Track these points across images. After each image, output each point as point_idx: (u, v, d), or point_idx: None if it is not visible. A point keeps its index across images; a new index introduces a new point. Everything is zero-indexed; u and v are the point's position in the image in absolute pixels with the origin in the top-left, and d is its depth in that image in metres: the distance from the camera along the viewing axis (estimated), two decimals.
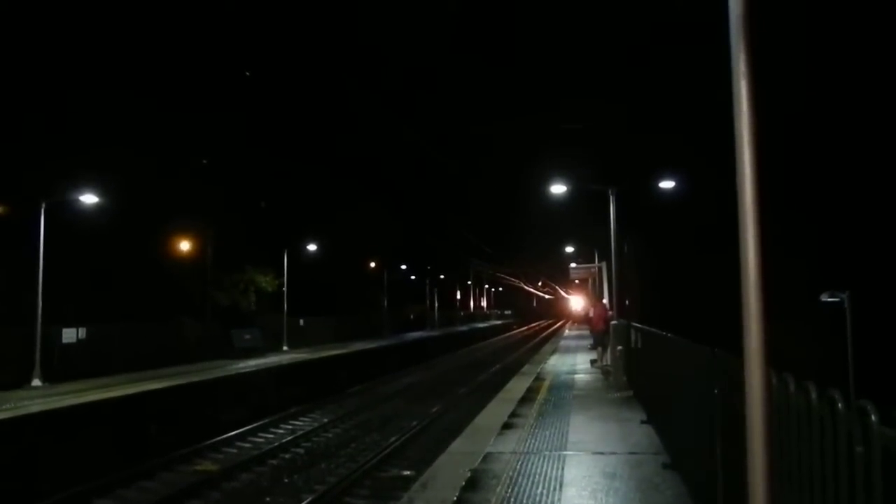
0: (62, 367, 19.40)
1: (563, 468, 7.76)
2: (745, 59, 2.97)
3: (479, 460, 8.25)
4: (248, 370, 22.05)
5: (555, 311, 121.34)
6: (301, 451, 14.94)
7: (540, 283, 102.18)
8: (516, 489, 6.95)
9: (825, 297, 9.41)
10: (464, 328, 69.06)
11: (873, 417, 2.29)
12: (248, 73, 25.29)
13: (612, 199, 18.07)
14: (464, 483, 7.22)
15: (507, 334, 74.75)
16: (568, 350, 28.79)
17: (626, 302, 19.92)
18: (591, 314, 22.65)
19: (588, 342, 27.64)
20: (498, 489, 6.97)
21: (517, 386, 16.12)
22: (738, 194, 3.01)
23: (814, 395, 2.80)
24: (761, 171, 2.99)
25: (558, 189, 20.26)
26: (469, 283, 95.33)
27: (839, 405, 2.56)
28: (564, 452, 8.58)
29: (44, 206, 18.89)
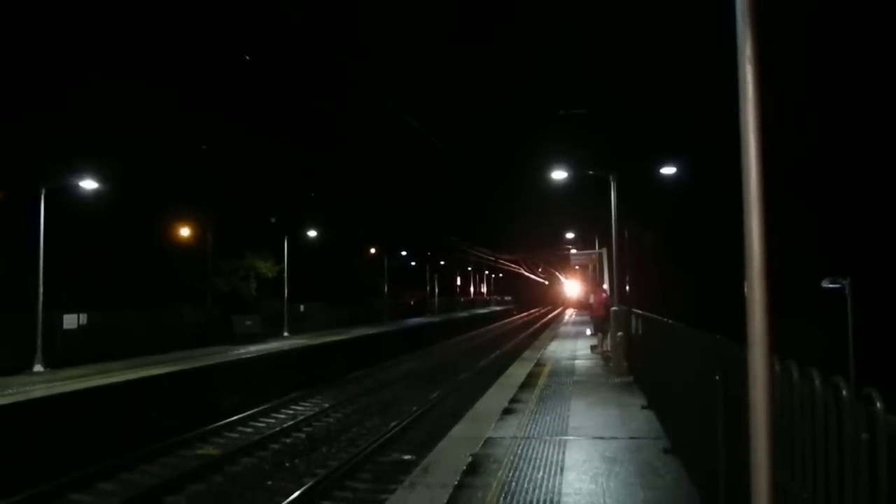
0: (64, 352, 19.45)
1: (563, 453, 7.80)
2: (752, 45, 2.95)
3: (480, 445, 8.29)
4: (248, 356, 22.11)
5: (550, 297, 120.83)
6: (302, 435, 15.02)
7: (540, 270, 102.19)
8: (517, 473, 6.99)
9: (826, 284, 9.41)
10: (464, 314, 69.19)
11: (878, 405, 2.29)
12: (247, 58, 25.10)
13: (612, 184, 18.02)
14: (465, 467, 7.26)
15: (507, 320, 74.91)
16: (568, 336, 28.87)
17: (627, 288, 19.91)
18: (592, 300, 22.69)
19: (588, 328, 27.73)
20: (499, 474, 7.01)
21: (517, 371, 16.17)
22: (743, 180, 3.00)
23: (818, 383, 2.80)
24: (767, 156, 2.97)
25: (559, 175, 20.19)
26: (469, 269, 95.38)
27: (844, 392, 2.56)
28: (565, 437, 8.63)
29: (44, 191, 18.85)
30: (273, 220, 34.63)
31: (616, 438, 8.41)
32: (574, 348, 22.09)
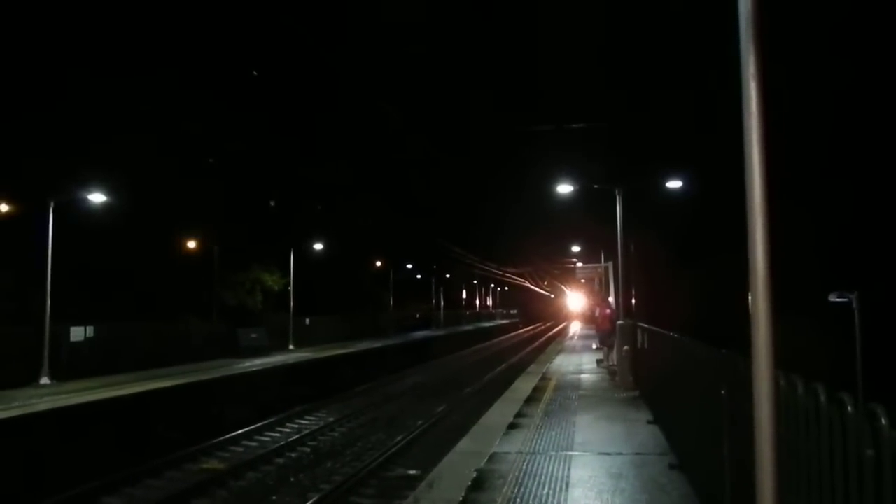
0: (70, 365, 19.49)
1: (569, 468, 7.75)
2: (755, 61, 2.97)
3: (485, 460, 8.25)
4: (254, 369, 22.10)
5: (555, 310, 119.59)
6: (307, 449, 14.98)
7: (545, 283, 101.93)
8: (522, 489, 6.95)
9: (833, 298, 9.33)
10: (469, 327, 69.04)
11: (883, 421, 2.28)
12: (255, 73, 25.33)
13: (619, 198, 18.03)
14: (470, 483, 7.22)
15: (513, 334, 74.72)
16: (574, 350, 28.77)
17: (633, 301, 19.85)
18: (598, 314, 22.64)
19: (594, 342, 27.64)
20: (504, 489, 6.97)
21: (523, 386, 16.11)
22: (747, 195, 3.00)
23: (823, 398, 2.79)
24: (770, 171, 2.98)
25: (564, 188, 20.22)
26: (475, 282, 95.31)
27: (849, 408, 2.55)
28: (570, 453, 8.58)
29: (52, 204, 18.97)
30: (272, 203, 34.56)
31: (622, 454, 8.36)
32: (580, 362, 22.01)
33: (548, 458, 8.27)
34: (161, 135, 26.11)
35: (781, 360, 3.01)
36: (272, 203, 36.30)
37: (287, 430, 17.29)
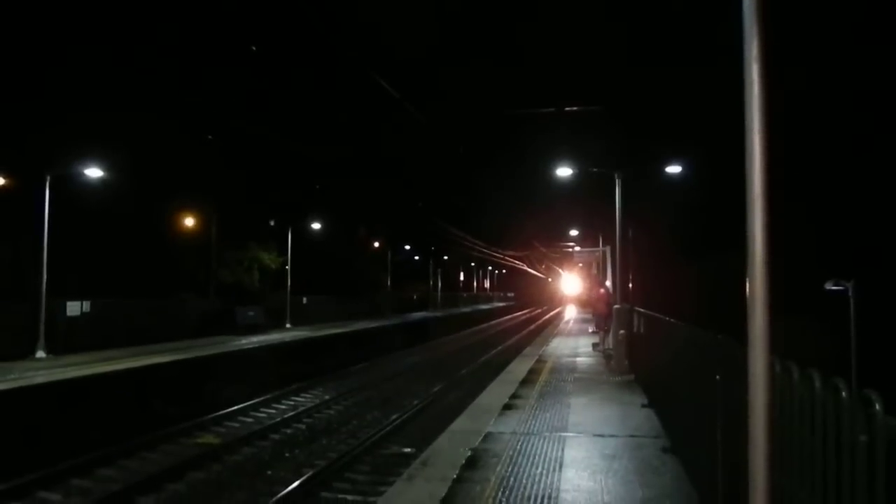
0: (66, 339, 19.54)
1: (562, 449, 7.81)
2: (759, 44, 2.93)
3: (480, 440, 8.31)
4: (250, 346, 22.17)
5: (551, 293, 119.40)
6: (302, 426, 15.07)
7: (543, 266, 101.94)
8: (516, 469, 7.01)
9: (829, 286, 9.34)
10: (466, 309, 69.19)
11: (877, 406, 2.29)
12: (254, 48, 25.07)
13: (618, 182, 17.98)
14: (464, 461, 7.28)
15: (509, 316, 74.93)
16: (570, 334, 28.89)
17: (630, 286, 19.88)
18: (593, 294, 22.71)
19: (590, 326, 27.75)
20: (498, 468, 7.03)
21: (519, 368, 16.19)
22: (747, 180, 2.98)
23: (818, 384, 2.80)
24: (771, 157, 2.96)
25: (564, 172, 20.15)
26: (472, 264, 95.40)
27: (843, 394, 2.56)
28: (565, 434, 8.64)
29: (49, 178, 18.89)
30: (272, 223, 34.79)
31: (615, 436, 8.42)
32: (576, 346, 22.11)
33: (542, 439, 8.33)
34: (160, 111, 25.92)
35: (781, 348, 3.01)
36: (271, 182, 36.13)
37: (283, 406, 17.38)
